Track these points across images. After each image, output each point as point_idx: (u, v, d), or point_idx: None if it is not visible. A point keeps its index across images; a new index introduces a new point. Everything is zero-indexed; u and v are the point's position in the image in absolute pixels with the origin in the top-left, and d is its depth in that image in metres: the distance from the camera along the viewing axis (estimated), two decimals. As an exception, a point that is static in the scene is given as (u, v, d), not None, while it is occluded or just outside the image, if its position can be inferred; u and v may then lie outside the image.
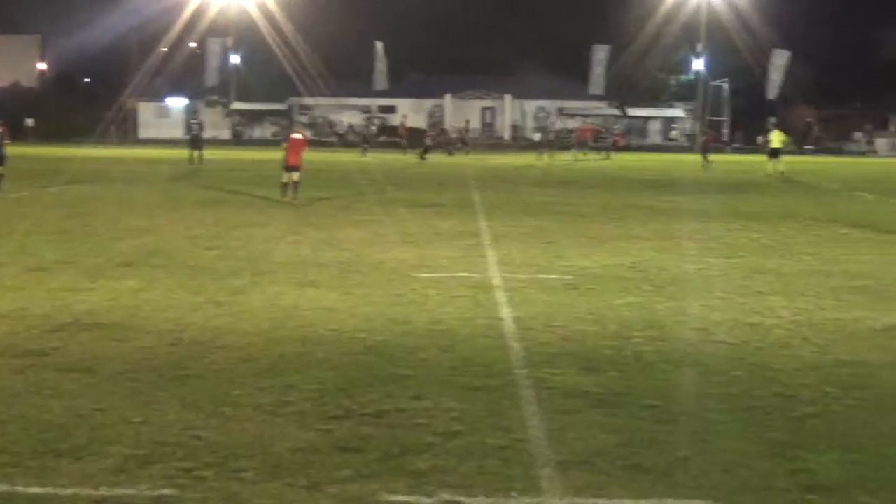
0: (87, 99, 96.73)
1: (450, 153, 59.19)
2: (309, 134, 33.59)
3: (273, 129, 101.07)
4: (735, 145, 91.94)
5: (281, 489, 7.46)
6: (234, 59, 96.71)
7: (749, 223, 26.41)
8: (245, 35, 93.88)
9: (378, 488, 7.50)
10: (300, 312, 13.79)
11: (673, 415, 9.35)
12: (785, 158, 51.46)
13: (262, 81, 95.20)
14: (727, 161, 67.17)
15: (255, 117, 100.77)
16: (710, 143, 65.33)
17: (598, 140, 77.27)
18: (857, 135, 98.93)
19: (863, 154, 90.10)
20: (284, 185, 30.49)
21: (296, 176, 30.18)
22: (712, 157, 59.48)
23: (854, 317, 14.04)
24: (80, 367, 10.75)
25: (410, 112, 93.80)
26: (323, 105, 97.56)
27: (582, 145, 69.87)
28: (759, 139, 71.71)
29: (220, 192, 33.85)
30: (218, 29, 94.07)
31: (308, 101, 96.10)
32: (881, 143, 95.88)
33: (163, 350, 11.60)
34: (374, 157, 62.33)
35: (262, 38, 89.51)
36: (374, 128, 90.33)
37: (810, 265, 19.10)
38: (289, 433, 8.67)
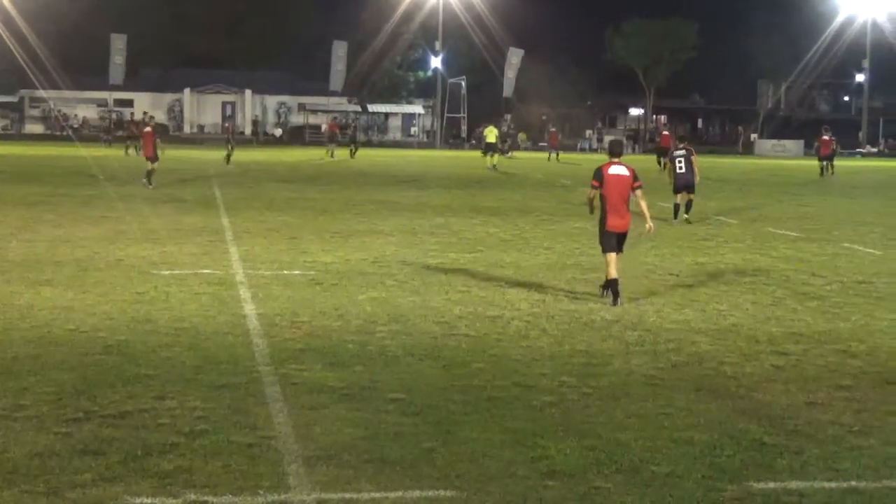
0: None
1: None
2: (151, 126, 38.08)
3: (3, 122, 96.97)
4: (472, 142, 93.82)
5: (18, 496, 7.19)
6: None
7: (489, 218, 27.05)
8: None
9: (121, 491, 7.34)
10: (35, 312, 13.32)
11: (418, 407, 9.49)
12: (518, 154, 53.13)
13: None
14: (467, 157, 68.57)
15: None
16: (554, 142, 68.70)
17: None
18: (588, 132, 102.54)
19: (594, 151, 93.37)
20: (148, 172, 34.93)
21: (151, 165, 35.00)
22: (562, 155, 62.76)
23: (588, 308, 14.58)
24: None
25: (149, 107, 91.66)
26: (56, 98, 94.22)
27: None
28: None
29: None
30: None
31: (41, 93, 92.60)
32: (609, 140, 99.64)
33: None
34: (112, 152, 60.80)
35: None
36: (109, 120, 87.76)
37: (547, 259, 19.71)
38: (25, 438, 8.37)
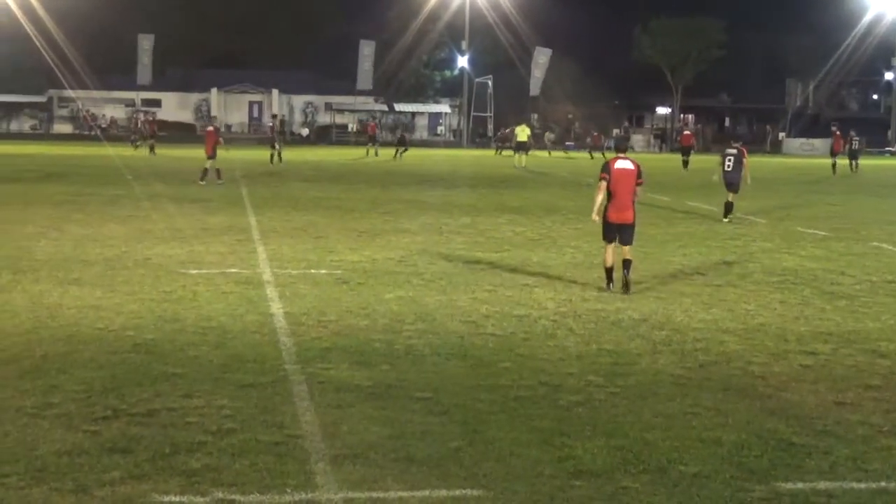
0: None
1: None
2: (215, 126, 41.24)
3: (32, 122, 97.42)
4: (497, 142, 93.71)
5: (47, 494, 7.23)
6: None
7: (515, 217, 27.02)
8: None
9: (149, 489, 7.37)
10: (64, 311, 13.38)
11: (444, 406, 9.48)
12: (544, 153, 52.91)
13: (18, 72, 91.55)
14: (494, 156, 68.58)
15: (11, 109, 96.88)
16: (597, 143, 69.76)
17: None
18: (616, 132, 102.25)
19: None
20: (204, 170, 36.89)
21: (209, 163, 36.92)
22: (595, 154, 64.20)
23: (615, 307, 14.54)
24: None
25: (176, 107, 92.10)
26: (84, 98, 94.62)
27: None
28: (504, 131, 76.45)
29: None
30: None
31: (69, 93, 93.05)
32: (637, 139, 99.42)
33: (-84, 353, 11.08)
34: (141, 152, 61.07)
35: (18, 26, 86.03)
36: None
37: (573, 258, 19.68)
38: (54, 435, 8.42)
